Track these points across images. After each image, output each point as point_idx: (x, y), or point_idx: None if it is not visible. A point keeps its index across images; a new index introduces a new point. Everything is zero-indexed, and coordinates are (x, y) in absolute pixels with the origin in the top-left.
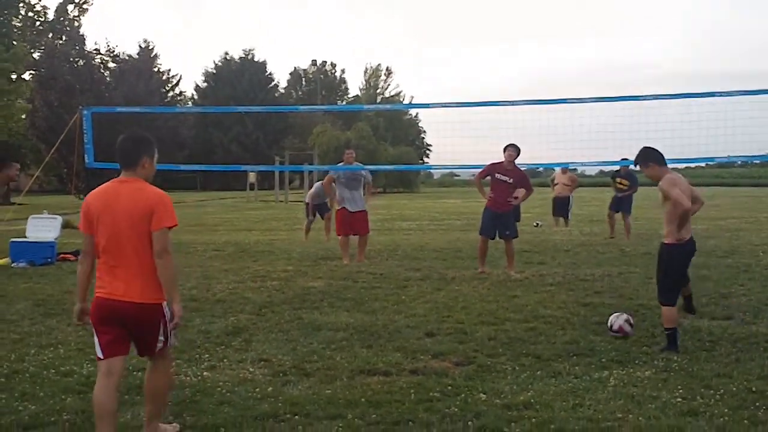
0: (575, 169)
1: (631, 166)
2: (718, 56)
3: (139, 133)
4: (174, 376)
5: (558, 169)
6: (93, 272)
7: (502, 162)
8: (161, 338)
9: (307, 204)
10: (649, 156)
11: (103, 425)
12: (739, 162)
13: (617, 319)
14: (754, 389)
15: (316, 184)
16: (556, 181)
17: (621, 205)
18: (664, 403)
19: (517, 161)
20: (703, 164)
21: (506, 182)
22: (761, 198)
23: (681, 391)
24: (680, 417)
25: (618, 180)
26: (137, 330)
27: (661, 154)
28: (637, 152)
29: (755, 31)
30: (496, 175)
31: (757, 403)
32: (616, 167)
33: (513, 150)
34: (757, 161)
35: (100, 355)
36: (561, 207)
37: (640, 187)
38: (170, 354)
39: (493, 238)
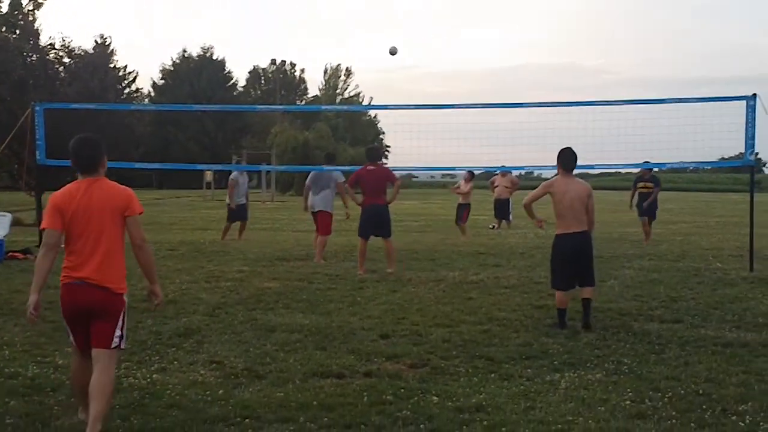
0: (510, 172)
1: (654, 169)
2: (674, 62)
3: (92, 136)
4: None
5: (498, 172)
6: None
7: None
8: (119, 333)
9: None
10: (558, 156)
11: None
12: (691, 168)
13: None
14: (701, 392)
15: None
16: (495, 184)
17: (648, 209)
18: (614, 405)
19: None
20: (656, 169)
21: None
22: (711, 203)
23: (630, 393)
24: (629, 420)
25: (642, 185)
26: (103, 319)
27: (567, 158)
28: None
29: (710, 40)
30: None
31: (704, 406)
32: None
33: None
34: (708, 167)
35: (76, 346)
36: (502, 209)
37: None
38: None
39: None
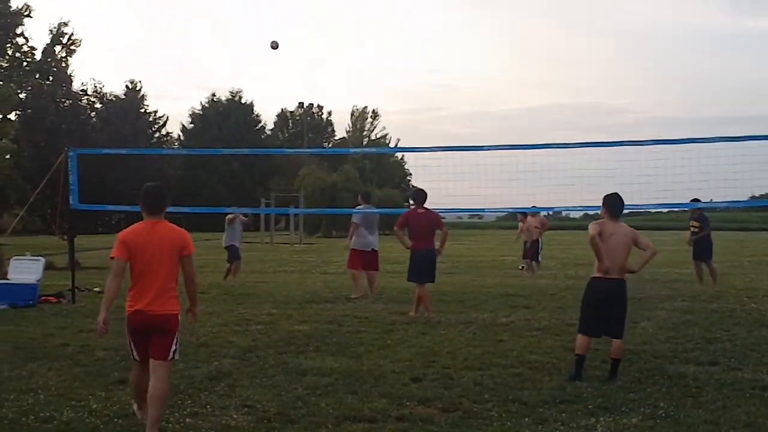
0: (539, 212)
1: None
2: (701, 101)
3: (159, 185)
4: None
5: (528, 213)
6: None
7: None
8: (173, 347)
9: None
10: (604, 201)
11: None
12: (722, 207)
13: None
14: None
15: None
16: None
17: (698, 250)
18: None
19: (492, 204)
20: (686, 209)
21: None
22: (744, 242)
23: None
24: None
25: (691, 223)
26: (162, 336)
27: (614, 204)
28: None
29: (736, 78)
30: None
31: None
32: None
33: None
34: (740, 206)
35: (137, 358)
36: (531, 250)
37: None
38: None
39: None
